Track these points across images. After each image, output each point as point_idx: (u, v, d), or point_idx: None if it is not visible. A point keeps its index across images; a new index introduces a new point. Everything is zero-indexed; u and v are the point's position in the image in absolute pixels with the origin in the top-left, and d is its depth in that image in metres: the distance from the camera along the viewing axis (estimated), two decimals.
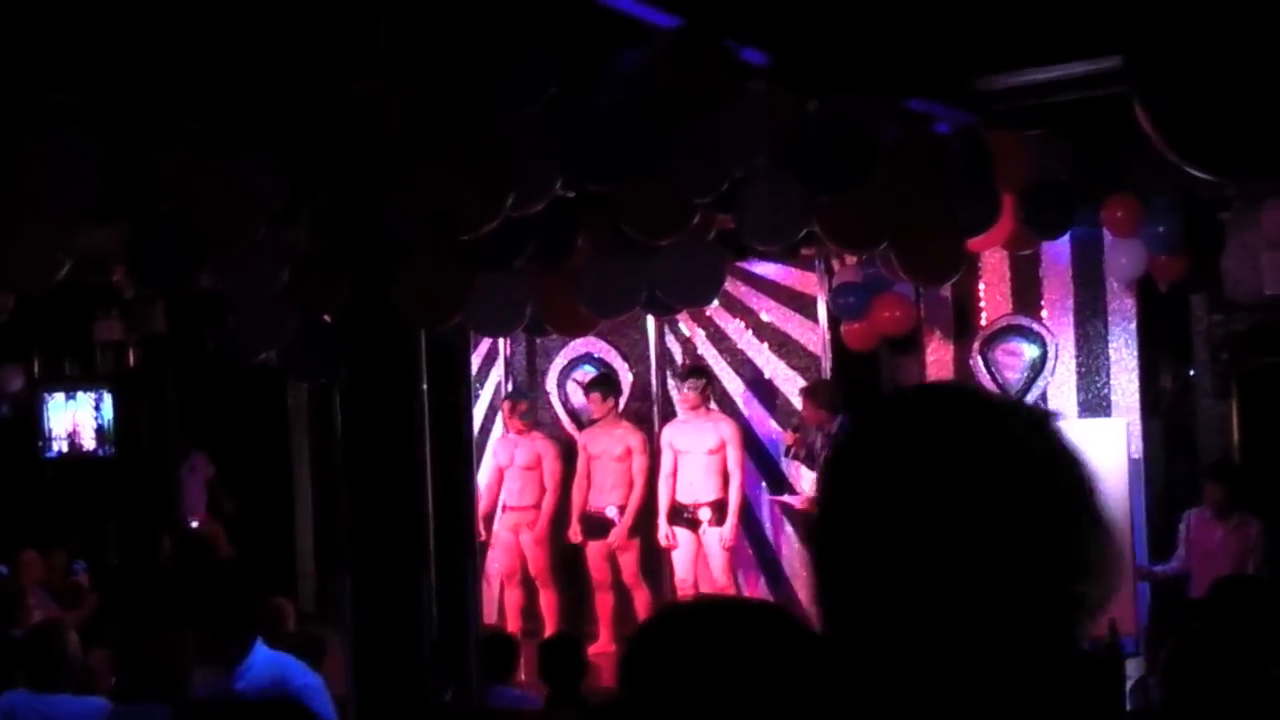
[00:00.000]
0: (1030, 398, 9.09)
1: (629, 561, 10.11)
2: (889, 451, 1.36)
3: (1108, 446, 8.14)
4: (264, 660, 4.72)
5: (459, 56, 5.36)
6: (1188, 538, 8.39)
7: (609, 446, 10.19)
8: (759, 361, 10.36)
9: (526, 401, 10.58)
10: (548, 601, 10.39)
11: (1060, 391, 9.41)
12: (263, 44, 5.38)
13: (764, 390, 10.33)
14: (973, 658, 1.30)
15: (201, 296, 6.95)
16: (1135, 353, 9.25)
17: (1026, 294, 9.58)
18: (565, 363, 10.98)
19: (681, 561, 9.92)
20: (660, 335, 10.60)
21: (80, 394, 12.24)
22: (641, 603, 10.02)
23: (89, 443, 12.22)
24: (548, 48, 5.50)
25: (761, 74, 6.34)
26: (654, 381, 10.62)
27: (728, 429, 9.91)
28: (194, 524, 11.84)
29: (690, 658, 1.61)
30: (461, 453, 7.05)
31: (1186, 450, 9.36)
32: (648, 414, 10.55)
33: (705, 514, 9.81)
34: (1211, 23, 5.13)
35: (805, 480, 9.81)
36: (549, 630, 9.84)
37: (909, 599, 1.31)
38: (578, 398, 10.76)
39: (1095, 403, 9.32)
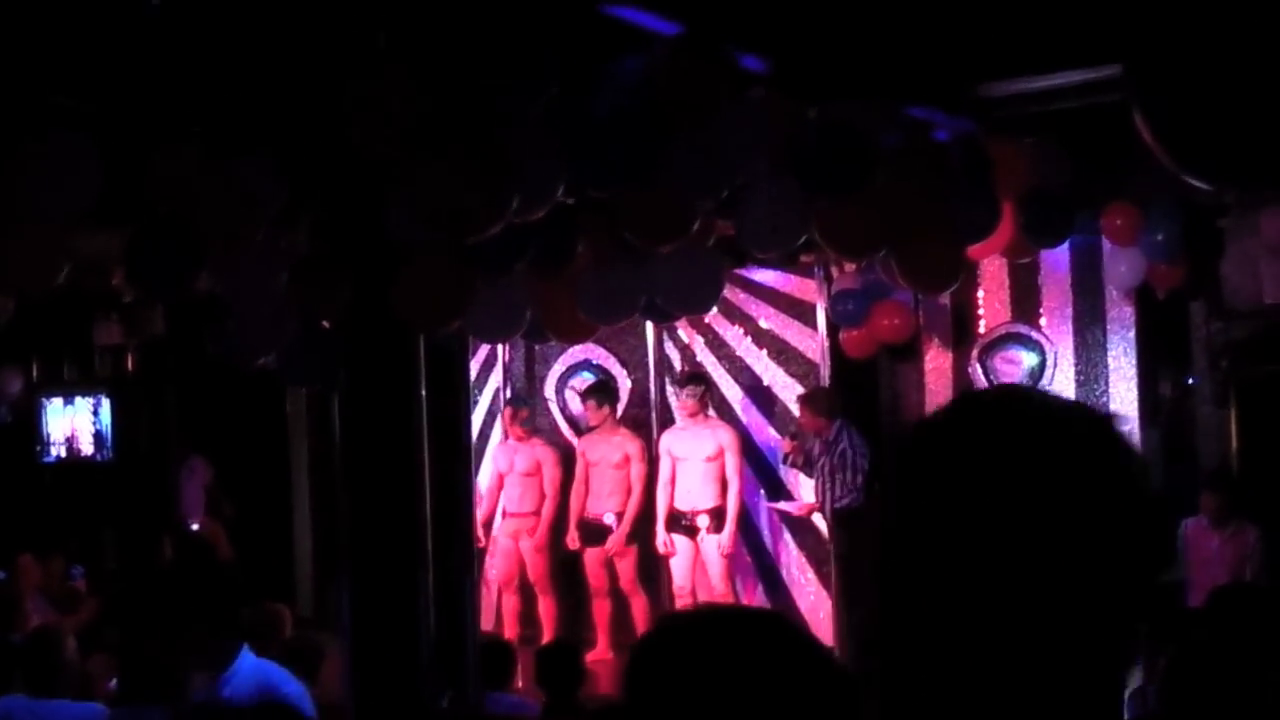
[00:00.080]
0: None
1: (627, 568, 10.10)
2: (961, 461, 1.33)
3: None
4: (249, 667, 4.71)
5: (459, 59, 5.36)
6: (1185, 546, 8.39)
7: (607, 453, 10.19)
8: (758, 368, 10.36)
9: (526, 409, 10.58)
10: (546, 608, 10.38)
11: None
12: (262, 46, 5.39)
13: (762, 397, 10.32)
14: (1039, 664, 1.29)
15: (201, 300, 6.95)
16: (1134, 360, 9.25)
17: (1025, 302, 9.58)
18: (564, 369, 10.97)
19: (679, 569, 9.92)
20: (659, 342, 10.59)
21: (79, 398, 12.23)
22: (639, 610, 10.02)
23: (87, 447, 12.20)
24: (549, 48, 5.49)
25: (762, 81, 6.35)
26: (653, 388, 10.62)
27: (726, 436, 9.91)
28: (194, 526, 11.84)
29: (694, 667, 1.61)
30: (460, 458, 7.05)
31: (1186, 458, 9.35)
32: (646, 420, 10.55)
33: (703, 521, 9.80)
34: (1211, 32, 5.14)
35: (804, 487, 9.81)
36: (547, 637, 9.83)
37: (984, 610, 1.29)
38: (576, 405, 10.75)
39: None
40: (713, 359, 10.46)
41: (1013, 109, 7.53)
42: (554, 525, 10.37)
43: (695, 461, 9.86)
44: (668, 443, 10.07)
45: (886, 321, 9.44)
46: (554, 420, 10.98)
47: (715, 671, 1.60)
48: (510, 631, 10.12)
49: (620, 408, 10.48)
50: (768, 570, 10.23)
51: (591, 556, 10.19)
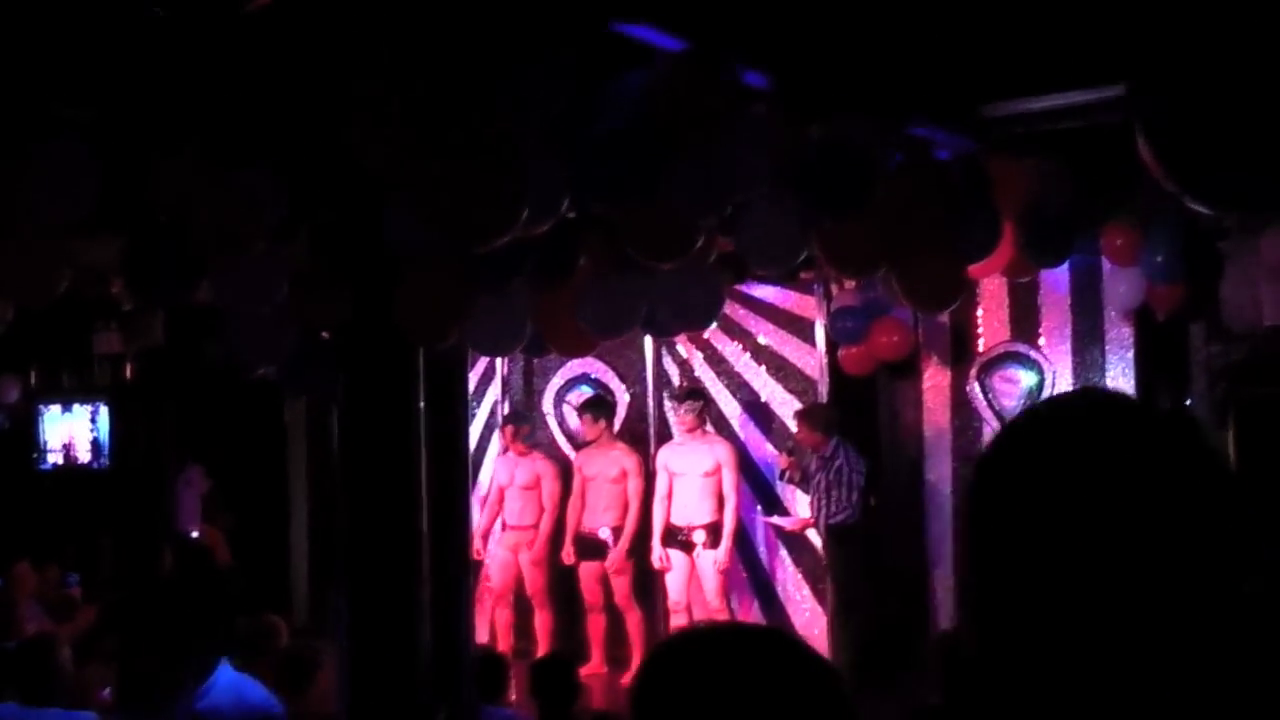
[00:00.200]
0: None
1: (622, 584, 10.09)
2: (1052, 463, 1.38)
3: None
4: (226, 681, 4.70)
5: (461, 67, 5.36)
6: None
7: (604, 468, 10.18)
8: (756, 384, 10.36)
9: (526, 425, 10.59)
10: (542, 622, 10.38)
11: None
12: (262, 56, 5.39)
13: (760, 413, 10.32)
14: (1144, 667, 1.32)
15: (200, 310, 6.94)
16: (1132, 381, 9.25)
17: (1024, 321, 9.58)
18: (562, 383, 10.98)
19: (675, 584, 9.91)
20: (658, 357, 10.60)
21: (76, 406, 12.24)
22: (634, 625, 10.00)
23: (84, 455, 12.22)
24: (559, 56, 5.49)
25: (764, 97, 6.35)
26: (651, 403, 10.62)
27: (724, 451, 9.90)
28: (194, 534, 11.83)
29: (701, 686, 1.62)
30: (458, 471, 7.04)
31: None
32: (644, 435, 10.54)
33: (699, 536, 9.79)
34: (1216, 56, 5.14)
35: (800, 504, 9.81)
36: (541, 650, 9.82)
37: (1078, 612, 1.32)
38: (574, 419, 10.75)
39: None
40: (711, 374, 10.47)
41: (1014, 128, 7.53)
42: (552, 539, 10.36)
43: (692, 477, 9.85)
44: (665, 458, 10.06)
45: (885, 339, 9.44)
46: (551, 434, 10.98)
47: (723, 690, 1.61)
48: (504, 644, 10.11)
49: (618, 422, 10.48)
50: (763, 586, 10.22)
51: (587, 571, 10.18)
